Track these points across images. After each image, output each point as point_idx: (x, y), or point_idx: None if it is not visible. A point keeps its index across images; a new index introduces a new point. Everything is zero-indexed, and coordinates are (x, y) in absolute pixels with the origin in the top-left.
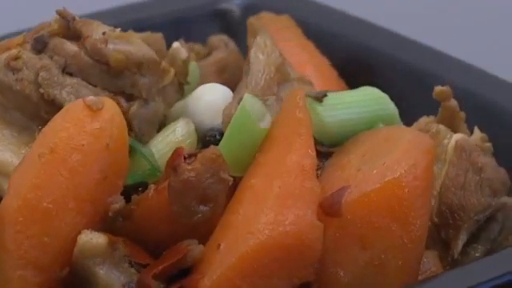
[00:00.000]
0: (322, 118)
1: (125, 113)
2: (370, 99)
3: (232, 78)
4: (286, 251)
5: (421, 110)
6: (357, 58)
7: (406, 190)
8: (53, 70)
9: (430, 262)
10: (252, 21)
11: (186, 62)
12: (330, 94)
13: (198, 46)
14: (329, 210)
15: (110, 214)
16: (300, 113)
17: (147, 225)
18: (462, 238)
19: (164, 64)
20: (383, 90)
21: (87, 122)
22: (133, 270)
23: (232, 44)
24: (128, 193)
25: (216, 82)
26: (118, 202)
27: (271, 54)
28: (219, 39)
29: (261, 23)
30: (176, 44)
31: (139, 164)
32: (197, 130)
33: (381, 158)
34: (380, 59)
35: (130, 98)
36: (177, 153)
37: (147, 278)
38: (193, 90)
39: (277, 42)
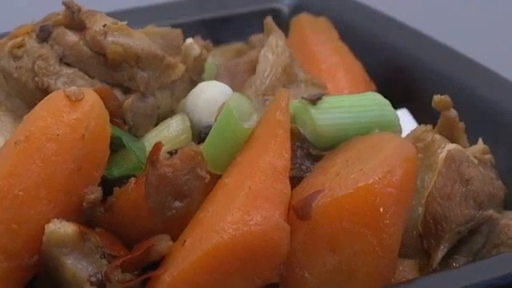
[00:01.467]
0: (315, 121)
1: (119, 105)
2: (368, 105)
3: None
4: (250, 251)
5: None
6: (397, 64)
7: (379, 197)
8: (50, 59)
9: (407, 270)
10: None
11: (198, 59)
12: (327, 98)
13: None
14: (300, 212)
15: (85, 204)
16: (280, 114)
17: (127, 218)
18: (442, 249)
19: (170, 60)
20: (416, 97)
21: (65, 111)
22: (104, 262)
23: None
24: (114, 185)
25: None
26: (94, 193)
27: (281, 54)
28: (258, 38)
29: (298, 24)
30: (189, 40)
31: (130, 157)
32: (195, 126)
33: (361, 163)
34: (419, 67)
35: (127, 90)
36: (156, 147)
37: (110, 268)
38: None
39: (311, 44)
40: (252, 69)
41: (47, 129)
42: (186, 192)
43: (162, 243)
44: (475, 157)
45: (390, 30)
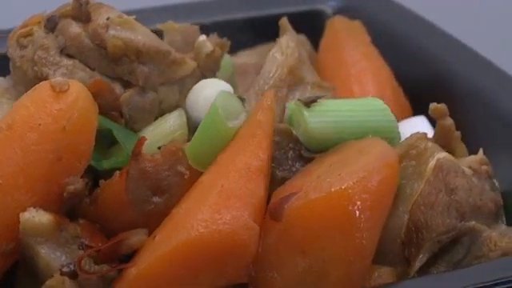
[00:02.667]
0: (307, 123)
1: (116, 98)
2: (366, 110)
3: None
4: (217, 250)
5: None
6: (431, 72)
7: (353, 202)
8: (50, 50)
9: (383, 277)
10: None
11: (210, 56)
12: (325, 101)
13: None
14: (273, 213)
15: (65, 195)
16: (261, 115)
17: (110, 210)
18: (421, 258)
19: (176, 55)
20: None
21: (48, 102)
22: (81, 253)
23: (307, 45)
24: (106, 178)
25: None
26: (75, 184)
27: (290, 55)
28: None
29: (333, 26)
30: (202, 37)
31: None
32: (194, 123)
33: (342, 168)
34: (453, 77)
35: (127, 84)
36: (140, 142)
37: (80, 258)
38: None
39: (342, 47)
40: None
41: (29, 118)
42: (165, 187)
43: (135, 237)
44: (470, 167)
45: (429, 36)
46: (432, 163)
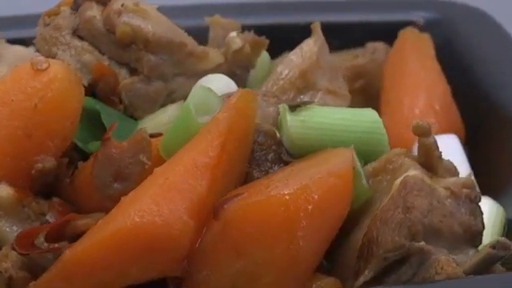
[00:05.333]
0: (288, 128)
1: (118, 84)
2: (356, 120)
3: (367, 85)
4: (149, 241)
5: None
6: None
7: (290, 209)
8: (63, 30)
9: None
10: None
11: (238, 53)
12: (316, 108)
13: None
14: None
15: (33, 172)
16: (223, 112)
17: (83, 192)
18: (367, 274)
19: (195, 49)
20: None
21: (24, 79)
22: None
23: (381, 53)
24: None
25: (348, 88)
26: (44, 163)
27: (306, 59)
28: (372, 46)
29: (402, 37)
30: (232, 33)
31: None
32: None
33: (296, 174)
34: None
35: (133, 71)
36: (110, 127)
37: (20, 234)
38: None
39: (404, 58)
40: (354, 75)
41: (4, 93)
42: (126, 175)
43: (83, 220)
44: (449, 188)
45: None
46: (399, 180)
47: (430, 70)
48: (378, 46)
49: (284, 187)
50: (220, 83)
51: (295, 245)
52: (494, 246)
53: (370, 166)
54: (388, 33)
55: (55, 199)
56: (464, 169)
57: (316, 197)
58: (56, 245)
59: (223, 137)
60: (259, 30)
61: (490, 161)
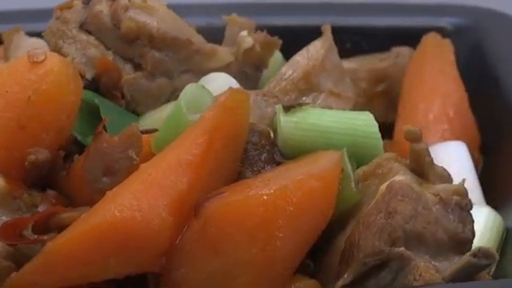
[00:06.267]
0: (281, 129)
1: (118, 79)
2: (351, 123)
3: (389, 89)
4: (128, 235)
5: None
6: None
7: (268, 209)
8: (70, 24)
9: None
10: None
11: (248, 52)
12: (309, 109)
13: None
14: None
15: (26, 164)
16: (209, 111)
17: (76, 185)
18: (346, 278)
19: (203, 47)
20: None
21: (20, 71)
22: None
23: (405, 57)
24: None
25: (369, 90)
26: (38, 154)
27: (311, 60)
28: (396, 50)
29: (424, 42)
30: (243, 33)
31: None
32: None
33: (281, 175)
34: None
35: (138, 67)
36: (103, 121)
37: (5, 224)
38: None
39: (423, 63)
40: (376, 78)
41: (0, 84)
42: (115, 169)
43: (68, 213)
44: (438, 195)
45: None
46: (385, 184)
47: (448, 76)
48: (403, 51)
49: (264, 187)
50: (221, 82)
51: (272, 245)
52: (474, 254)
53: (361, 170)
54: (415, 37)
55: (50, 191)
56: (469, 176)
57: (295, 198)
58: (45, 236)
59: (208, 135)
60: (280, 31)
61: (506, 170)
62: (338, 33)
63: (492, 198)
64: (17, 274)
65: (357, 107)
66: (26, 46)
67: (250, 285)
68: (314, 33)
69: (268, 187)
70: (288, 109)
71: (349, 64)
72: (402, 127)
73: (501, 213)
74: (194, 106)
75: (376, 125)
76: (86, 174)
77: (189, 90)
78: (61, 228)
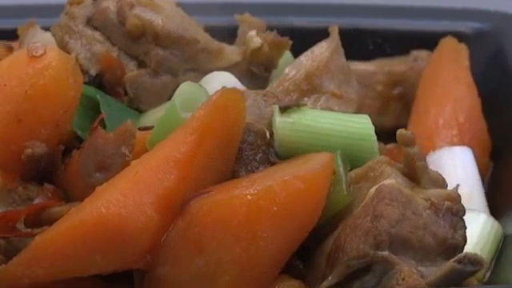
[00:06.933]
0: (276, 129)
1: (121, 76)
2: (347, 126)
3: (405, 93)
4: (113, 232)
5: None
6: None
7: (252, 209)
8: (77, 19)
9: None
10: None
11: (255, 52)
12: (306, 110)
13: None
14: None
15: (22, 157)
16: (199, 110)
17: (73, 179)
18: (330, 280)
19: (209, 45)
20: None
21: (18, 65)
22: None
23: (423, 61)
24: None
25: (385, 93)
26: (34, 148)
27: (315, 61)
28: (415, 54)
29: (441, 46)
30: (252, 32)
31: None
32: None
33: (269, 176)
34: None
35: (142, 64)
36: (98, 117)
37: None
38: None
39: (438, 67)
40: (392, 82)
41: None
42: (108, 165)
43: (58, 208)
44: (429, 200)
45: None
46: (375, 187)
47: (461, 81)
48: (421, 54)
49: (249, 187)
50: (222, 81)
51: (255, 245)
52: (459, 260)
53: (354, 173)
54: (437, 41)
55: (47, 185)
56: (473, 182)
57: (279, 199)
58: (35, 230)
59: (197, 134)
60: (301, 32)
61: None
62: (361, 35)
63: (499, 204)
64: (5, 267)
65: (372, 110)
66: (39, 40)
67: (232, 284)
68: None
69: (253, 187)
70: (284, 109)
71: (367, 66)
72: (412, 131)
73: (507, 219)
74: (190, 104)
75: (372, 128)
76: (80, 168)
77: (184, 89)
78: (51, 222)
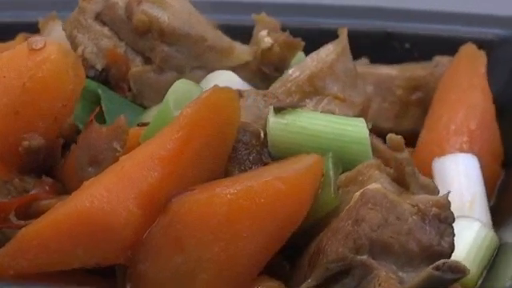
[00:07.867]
0: (269, 130)
1: (126, 71)
2: (341, 129)
3: (425, 98)
4: (95, 226)
5: None
6: None
7: (231, 208)
8: (86, 13)
9: None
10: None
11: (265, 52)
12: (300, 111)
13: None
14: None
15: (20, 149)
16: (187, 108)
17: (69, 173)
18: (309, 282)
19: (217, 44)
20: None
21: (18, 57)
22: None
23: (442, 67)
24: None
25: (404, 98)
26: (31, 140)
27: (319, 63)
28: (437, 59)
29: (460, 52)
30: (263, 32)
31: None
32: None
33: (252, 176)
34: None
35: (148, 60)
36: (93, 112)
37: None
38: None
39: (455, 73)
40: (412, 87)
41: None
42: (100, 160)
43: (47, 200)
44: (416, 205)
45: None
46: (360, 191)
47: (476, 88)
48: (442, 60)
49: (230, 187)
50: (224, 80)
51: (234, 244)
52: (437, 267)
53: (344, 176)
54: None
55: (45, 178)
56: (474, 190)
57: (260, 199)
58: (23, 222)
59: (184, 131)
60: (328, 34)
61: None
62: (388, 39)
63: (508, 212)
64: None
65: (389, 114)
66: (57, 33)
67: (211, 283)
68: (364, 37)
69: (233, 187)
70: (279, 110)
71: (389, 70)
72: (425, 136)
73: None
74: (184, 102)
75: (366, 131)
76: (75, 162)
77: (178, 86)
78: (39, 214)
